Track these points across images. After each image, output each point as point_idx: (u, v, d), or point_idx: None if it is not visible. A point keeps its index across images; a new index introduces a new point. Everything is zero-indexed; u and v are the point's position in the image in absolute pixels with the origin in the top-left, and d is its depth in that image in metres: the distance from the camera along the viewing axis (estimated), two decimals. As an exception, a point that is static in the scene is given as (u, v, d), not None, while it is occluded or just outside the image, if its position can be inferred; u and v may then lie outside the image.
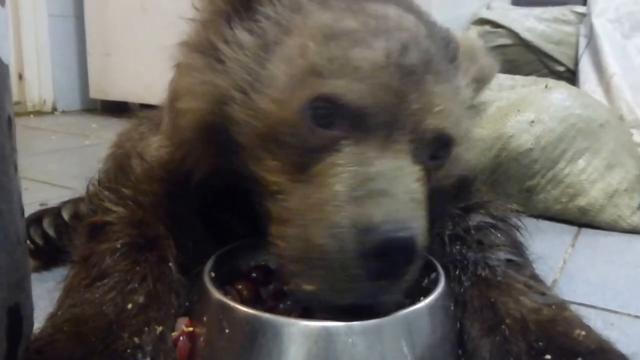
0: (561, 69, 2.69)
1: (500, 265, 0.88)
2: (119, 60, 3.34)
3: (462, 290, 0.86)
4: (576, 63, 2.61)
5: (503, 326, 0.77)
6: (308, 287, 0.72)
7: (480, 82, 1.02)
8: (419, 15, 0.91)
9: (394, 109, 0.77)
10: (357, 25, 0.80)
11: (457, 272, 0.88)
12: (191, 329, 0.81)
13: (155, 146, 1.00)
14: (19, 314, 0.66)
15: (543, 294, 0.83)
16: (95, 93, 3.53)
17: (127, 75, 3.29)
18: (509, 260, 0.90)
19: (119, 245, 0.85)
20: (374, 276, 0.69)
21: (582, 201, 1.60)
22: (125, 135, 1.49)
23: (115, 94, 3.39)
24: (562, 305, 0.82)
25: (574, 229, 1.61)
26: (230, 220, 0.98)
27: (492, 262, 0.88)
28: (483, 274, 0.87)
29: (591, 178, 1.61)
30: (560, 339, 0.74)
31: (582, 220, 1.62)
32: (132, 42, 3.23)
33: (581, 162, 1.63)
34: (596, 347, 0.73)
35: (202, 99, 0.84)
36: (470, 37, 1.02)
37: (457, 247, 0.93)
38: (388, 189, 0.72)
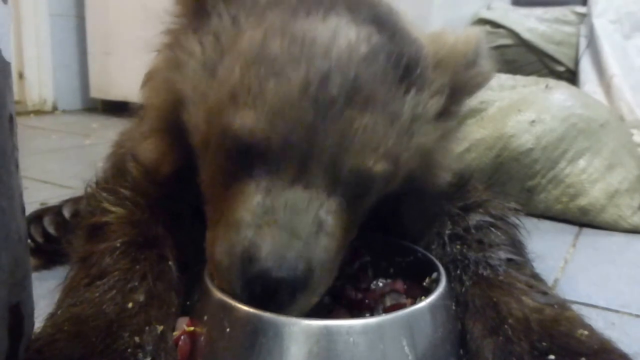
0: (561, 69, 2.69)
1: (501, 265, 0.88)
2: (119, 60, 3.35)
3: (463, 290, 0.86)
4: (576, 63, 2.61)
5: (506, 326, 0.77)
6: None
7: (464, 88, 0.94)
8: (375, 22, 0.84)
9: (305, 144, 0.75)
10: (279, 51, 0.77)
11: (458, 272, 0.88)
12: (192, 328, 0.80)
13: (150, 148, 1.00)
14: (20, 313, 0.66)
15: (545, 293, 0.83)
16: (96, 92, 3.54)
17: (128, 74, 3.27)
18: (509, 260, 0.89)
19: (118, 244, 0.85)
20: (255, 303, 0.73)
21: (582, 201, 1.60)
22: (127, 134, 1.48)
23: (116, 94, 3.40)
24: (564, 305, 0.82)
25: (575, 228, 1.61)
26: None
27: (493, 261, 0.88)
28: (485, 274, 0.86)
29: (592, 178, 1.61)
30: (564, 339, 0.74)
31: (583, 220, 1.62)
32: (133, 41, 3.22)
33: (582, 162, 1.63)
34: (599, 347, 0.73)
35: (165, 96, 0.88)
36: (465, 38, 0.94)
37: (458, 246, 0.93)
38: (287, 222, 0.74)
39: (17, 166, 0.66)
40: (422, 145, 0.87)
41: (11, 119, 0.62)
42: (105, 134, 1.54)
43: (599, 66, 2.39)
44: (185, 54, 0.85)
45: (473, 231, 0.94)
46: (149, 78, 0.96)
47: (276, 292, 0.73)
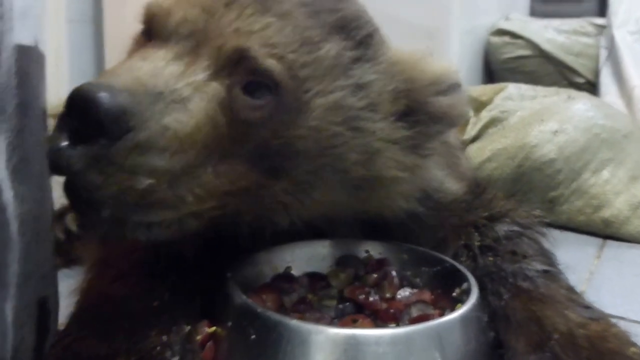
0: (581, 80, 2.67)
1: (539, 277, 0.85)
2: None
3: (502, 303, 0.83)
4: (596, 75, 2.58)
5: (552, 342, 0.74)
6: None
7: (432, 111, 0.87)
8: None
9: (199, 23, 0.76)
10: None
11: (494, 284, 0.85)
12: (214, 328, 0.79)
13: None
14: (47, 308, 0.66)
15: (587, 307, 0.81)
16: None
17: None
18: (545, 271, 0.87)
19: (137, 245, 0.84)
20: (69, 136, 0.64)
21: (606, 213, 1.57)
22: None
23: None
24: (608, 320, 0.80)
25: (599, 240, 1.58)
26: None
27: (530, 273, 0.86)
28: (524, 286, 0.84)
29: (616, 189, 1.58)
30: (615, 357, 0.72)
31: (606, 232, 1.59)
32: None
33: (605, 173, 1.60)
34: None
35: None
36: (446, 67, 0.90)
37: (490, 258, 0.91)
38: (142, 77, 0.70)
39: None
40: (355, 115, 0.81)
41: (44, 112, 0.61)
42: None
43: (620, 78, 2.37)
44: None
45: (504, 242, 0.92)
46: None
47: (93, 122, 0.64)
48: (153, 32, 0.79)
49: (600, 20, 2.76)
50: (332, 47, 0.80)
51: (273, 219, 0.84)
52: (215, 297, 0.85)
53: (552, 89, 1.92)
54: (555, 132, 1.60)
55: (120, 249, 0.85)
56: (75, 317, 0.76)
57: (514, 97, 1.83)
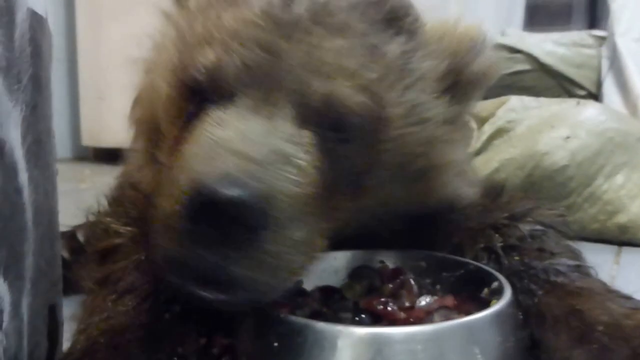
0: (582, 93, 2.65)
1: (572, 271, 0.82)
2: (113, 104, 3.10)
3: (535, 300, 0.79)
4: (598, 86, 2.57)
5: (597, 334, 0.71)
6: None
7: (473, 75, 0.88)
8: None
9: (268, 69, 0.69)
10: None
11: (525, 282, 0.82)
12: (230, 340, 0.76)
13: (145, 172, 0.96)
14: (56, 317, 0.62)
15: (628, 298, 0.78)
16: (87, 139, 3.35)
17: (122, 119, 3.10)
18: (577, 266, 0.83)
19: (143, 257, 0.81)
20: (210, 244, 0.61)
21: (622, 218, 1.55)
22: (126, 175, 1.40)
23: (109, 140, 3.16)
24: None
25: (613, 247, 1.55)
26: None
27: (562, 268, 0.82)
28: (558, 281, 0.80)
29: (631, 194, 1.56)
30: None
31: (622, 239, 1.56)
32: (127, 84, 3.09)
33: (620, 177, 1.58)
34: None
35: (145, 104, 0.85)
36: (472, 28, 0.90)
37: (516, 257, 0.87)
38: (242, 149, 0.64)
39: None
40: (422, 108, 0.80)
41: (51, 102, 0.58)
42: (101, 179, 1.48)
43: (624, 87, 2.36)
44: (162, 41, 0.84)
45: (529, 240, 0.89)
46: (136, 100, 0.91)
47: (230, 221, 0.60)
48: (208, 90, 0.72)
49: (601, 32, 2.77)
50: (393, 49, 0.78)
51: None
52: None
53: (556, 99, 1.90)
54: (567, 138, 1.58)
55: (123, 265, 0.81)
56: (84, 332, 0.72)
57: (517, 109, 1.81)
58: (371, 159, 0.77)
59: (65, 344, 0.72)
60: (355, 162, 0.75)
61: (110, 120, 3.16)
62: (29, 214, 0.54)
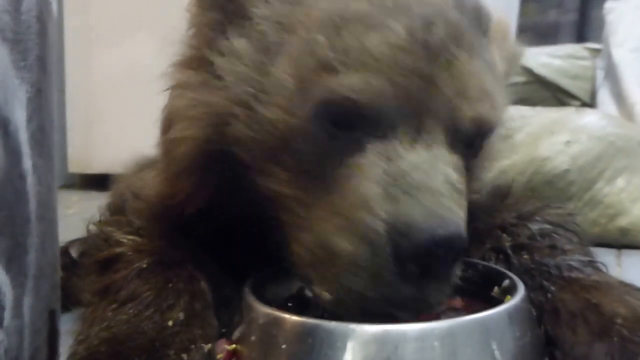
0: (577, 103, 2.66)
1: (586, 266, 0.80)
2: (102, 130, 3.10)
3: (549, 297, 0.77)
4: (592, 97, 2.59)
5: (617, 327, 0.69)
6: (328, 295, 0.68)
7: (511, 61, 0.91)
8: None
9: (422, 96, 0.68)
10: (370, 7, 0.71)
11: (536, 280, 0.80)
12: (234, 346, 0.73)
13: (152, 182, 0.93)
14: (55, 323, 0.60)
15: None
16: (74, 166, 3.23)
17: (111, 145, 2.97)
18: (589, 262, 0.82)
19: (145, 265, 0.79)
20: (414, 281, 0.64)
21: (623, 221, 1.55)
22: (125, 182, 1.34)
23: (98, 166, 3.05)
24: None
25: (613, 250, 1.54)
26: (241, 254, 0.90)
27: (575, 263, 0.81)
28: (572, 275, 0.79)
29: (632, 196, 1.56)
30: None
31: (622, 242, 1.56)
32: (117, 110, 3.01)
33: (621, 181, 1.58)
34: None
35: (198, 124, 0.77)
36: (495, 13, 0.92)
37: (526, 256, 0.85)
38: (425, 181, 0.65)
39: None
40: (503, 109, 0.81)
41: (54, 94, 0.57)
42: (89, 204, 1.45)
43: (619, 96, 2.36)
44: (225, 60, 0.77)
45: (539, 238, 0.87)
46: (171, 118, 0.84)
47: (441, 259, 0.64)
48: (364, 120, 0.69)
49: (595, 45, 2.79)
50: (493, 58, 0.80)
51: None
52: (230, 316, 0.80)
53: (553, 108, 1.91)
54: (568, 143, 1.58)
55: (124, 274, 0.79)
56: (84, 342, 0.69)
57: (515, 118, 1.81)
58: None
59: (62, 358, 0.69)
60: (472, 176, 0.79)
61: (98, 147, 3.11)
62: (32, 206, 0.52)
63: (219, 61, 0.77)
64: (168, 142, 0.83)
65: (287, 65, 0.72)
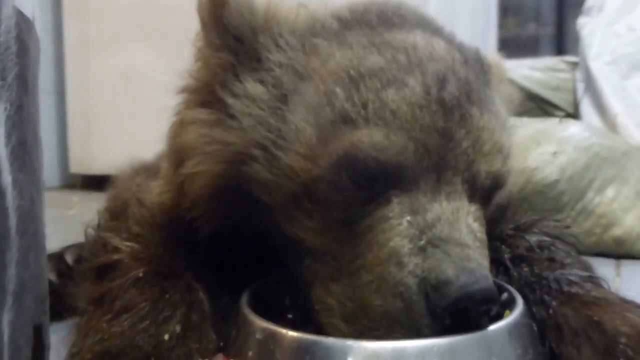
0: (560, 114, 2.68)
1: (585, 281, 0.80)
2: (101, 132, 3.19)
3: (550, 312, 0.76)
4: (575, 108, 2.60)
5: (621, 346, 0.68)
6: None
7: (508, 103, 0.96)
8: (448, 37, 0.84)
9: (441, 150, 0.71)
10: (385, 62, 0.74)
11: (537, 294, 0.79)
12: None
13: (156, 192, 0.93)
14: (42, 338, 0.58)
15: None
16: (75, 167, 3.32)
17: (111, 147, 3.09)
18: (589, 277, 0.82)
19: (141, 274, 0.78)
20: (448, 333, 0.65)
21: (617, 231, 1.54)
22: (121, 186, 1.37)
23: (98, 168, 3.14)
24: None
25: (612, 261, 1.53)
26: (241, 265, 0.89)
27: (574, 278, 0.80)
28: (572, 291, 0.78)
29: (623, 206, 1.56)
30: None
31: (619, 252, 1.55)
32: (116, 114, 3.10)
33: (610, 191, 1.58)
34: None
35: (214, 160, 0.78)
36: (493, 56, 0.96)
37: (525, 268, 0.85)
38: (451, 233, 0.67)
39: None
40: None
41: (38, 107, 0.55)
42: (89, 205, 1.45)
43: (601, 107, 2.38)
44: (239, 102, 0.78)
45: (537, 250, 0.87)
46: (184, 152, 0.83)
47: (474, 312, 0.65)
48: (387, 174, 0.71)
49: (573, 58, 2.82)
50: (499, 107, 0.84)
51: None
52: (228, 329, 0.78)
53: (538, 119, 1.92)
54: (555, 154, 1.58)
55: (121, 282, 0.77)
56: (77, 355, 0.69)
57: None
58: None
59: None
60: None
61: (99, 148, 3.20)
62: (12, 221, 0.51)
63: (233, 102, 0.78)
64: (182, 175, 0.83)
65: (305, 113, 0.73)
